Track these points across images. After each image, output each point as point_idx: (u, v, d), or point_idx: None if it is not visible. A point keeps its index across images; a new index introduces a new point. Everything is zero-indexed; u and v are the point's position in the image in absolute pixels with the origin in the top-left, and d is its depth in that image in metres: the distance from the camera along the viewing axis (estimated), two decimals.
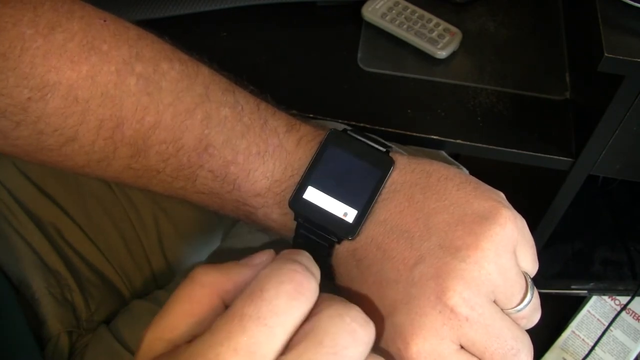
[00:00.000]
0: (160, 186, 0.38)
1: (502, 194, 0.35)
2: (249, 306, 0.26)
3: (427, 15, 0.72)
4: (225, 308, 0.31)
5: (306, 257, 0.30)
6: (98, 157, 0.36)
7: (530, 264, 0.35)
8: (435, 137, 0.66)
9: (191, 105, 0.36)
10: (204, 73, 0.38)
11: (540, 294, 0.35)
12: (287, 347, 0.26)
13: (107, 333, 0.52)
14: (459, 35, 0.71)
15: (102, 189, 0.59)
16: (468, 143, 0.67)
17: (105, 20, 0.36)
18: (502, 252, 0.32)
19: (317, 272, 0.30)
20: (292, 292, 0.27)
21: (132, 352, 0.49)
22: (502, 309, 0.33)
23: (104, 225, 0.58)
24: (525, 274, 0.35)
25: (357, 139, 0.37)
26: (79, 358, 0.52)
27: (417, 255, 0.33)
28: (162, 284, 0.61)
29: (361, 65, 0.71)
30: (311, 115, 0.65)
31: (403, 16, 0.72)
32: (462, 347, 0.32)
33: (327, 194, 0.36)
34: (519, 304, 0.34)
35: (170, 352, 0.28)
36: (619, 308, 1.04)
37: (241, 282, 0.31)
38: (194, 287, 0.30)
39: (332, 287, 0.39)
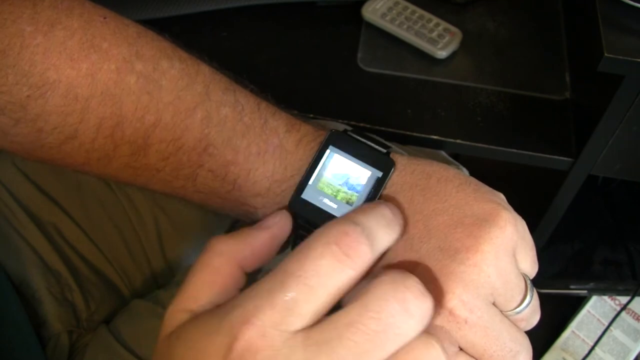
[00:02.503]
0: (160, 185, 0.38)
1: (502, 196, 0.35)
2: (292, 264, 0.26)
3: (427, 15, 0.72)
4: (245, 275, 0.31)
5: (372, 218, 0.28)
6: (98, 155, 0.36)
7: (529, 266, 0.35)
8: (435, 137, 0.66)
9: (191, 104, 0.36)
10: (204, 72, 0.37)
11: (540, 294, 0.35)
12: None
13: (107, 333, 0.52)
14: (459, 35, 0.71)
15: (102, 188, 0.59)
16: (468, 143, 0.67)
17: (105, 18, 0.36)
18: (502, 255, 0.32)
19: (383, 236, 0.28)
20: (338, 254, 0.26)
21: (132, 352, 0.49)
22: (501, 311, 0.33)
23: (104, 225, 0.58)
24: (524, 276, 0.35)
25: (357, 139, 0.37)
26: (79, 357, 0.52)
27: (417, 257, 0.33)
28: (162, 283, 0.61)
29: (361, 65, 0.71)
30: (311, 115, 0.65)
31: (403, 16, 0.72)
32: (461, 349, 0.32)
33: (327, 195, 0.36)
34: (518, 306, 0.34)
35: (212, 308, 0.27)
36: (619, 308, 1.05)
37: (258, 246, 0.30)
38: (211, 257, 0.30)
39: None
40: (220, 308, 0.27)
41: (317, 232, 0.27)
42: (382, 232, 0.28)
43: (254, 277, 0.31)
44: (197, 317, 0.28)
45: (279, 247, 0.34)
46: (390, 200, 0.35)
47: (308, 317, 0.25)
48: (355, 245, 0.26)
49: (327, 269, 0.26)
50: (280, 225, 0.33)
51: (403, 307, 0.25)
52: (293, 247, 0.39)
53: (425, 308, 0.26)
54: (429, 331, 0.27)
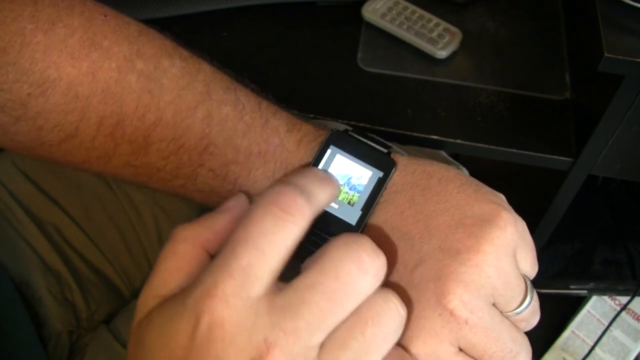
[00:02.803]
0: (160, 184, 0.38)
1: (502, 196, 0.35)
2: (239, 232, 0.27)
3: (427, 15, 0.72)
4: (211, 257, 0.31)
5: (305, 177, 0.30)
6: (98, 153, 0.36)
7: (530, 266, 0.35)
8: (435, 137, 0.66)
9: (192, 103, 0.36)
10: (205, 70, 0.37)
11: (540, 294, 0.35)
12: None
13: (107, 333, 0.52)
14: (459, 35, 0.71)
15: (102, 188, 0.59)
16: (468, 143, 0.67)
17: (105, 16, 0.35)
18: (502, 255, 0.32)
19: (318, 191, 0.30)
20: (277, 212, 0.27)
21: None
22: (501, 312, 0.33)
23: (104, 225, 0.58)
24: (524, 277, 0.35)
25: (358, 139, 0.37)
26: (79, 357, 0.52)
27: (417, 257, 0.33)
28: None
29: (361, 65, 0.71)
30: (311, 115, 0.65)
31: (403, 16, 0.72)
32: (461, 349, 0.32)
33: None
34: (518, 307, 0.34)
35: (174, 295, 0.28)
36: (619, 308, 1.05)
37: (220, 228, 0.31)
38: (176, 244, 0.30)
39: None
40: (184, 290, 0.27)
41: (256, 198, 0.28)
42: (316, 188, 0.30)
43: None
44: (164, 302, 0.28)
45: None
46: (391, 200, 0.35)
47: (265, 279, 0.26)
48: (292, 201, 0.27)
49: (270, 228, 0.27)
50: (239, 207, 0.34)
51: (358, 265, 0.27)
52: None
53: (379, 264, 0.28)
54: (386, 287, 0.28)
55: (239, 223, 0.27)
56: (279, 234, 0.27)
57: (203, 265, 0.30)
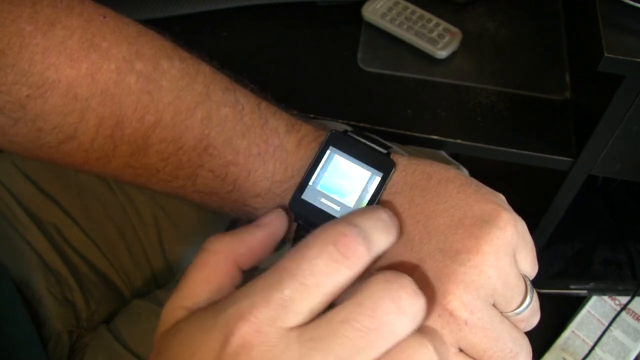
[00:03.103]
0: (160, 185, 0.38)
1: (502, 197, 0.35)
2: (289, 262, 0.26)
3: (427, 15, 0.72)
4: (242, 273, 0.31)
5: (369, 220, 0.28)
6: (97, 155, 0.36)
7: (529, 267, 0.35)
8: (435, 137, 0.66)
9: (191, 105, 0.36)
10: (205, 71, 0.37)
11: (540, 294, 0.35)
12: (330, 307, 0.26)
13: (107, 332, 0.52)
14: (459, 35, 0.71)
15: (102, 188, 0.59)
16: (468, 143, 0.67)
17: (104, 17, 0.35)
18: (502, 256, 0.32)
19: (380, 239, 0.28)
20: (335, 254, 0.26)
21: (132, 352, 0.49)
22: (501, 312, 0.33)
23: (104, 224, 0.58)
24: (524, 277, 0.35)
25: (358, 140, 0.37)
26: (80, 357, 0.52)
27: (417, 258, 0.33)
28: (162, 283, 0.61)
29: (361, 65, 0.71)
30: (311, 115, 0.65)
31: (403, 16, 0.72)
32: (461, 350, 0.32)
33: (328, 196, 0.36)
34: (518, 307, 0.34)
35: (208, 305, 0.28)
36: (619, 308, 1.05)
37: (254, 244, 0.31)
38: (207, 255, 0.30)
39: None
40: (216, 305, 0.27)
41: (315, 232, 0.27)
42: (378, 235, 0.29)
43: (250, 275, 0.32)
44: (194, 314, 0.28)
45: (275, 245, 0.34)
46: (391, 201, 0.35)
47: (303, 315, 0.26)
48: (352, 246, 0.27)
49: (323, 269, 0.26)
50: (276, 223, 0.33)
51: (397, 305, 0.26)
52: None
53: (418, 307, 0.26)
54: (423, 331, 0.27)
55: (293, 251, 0.27)
56: (331, 277, 0.26)
57: (233, 280, 0.30)
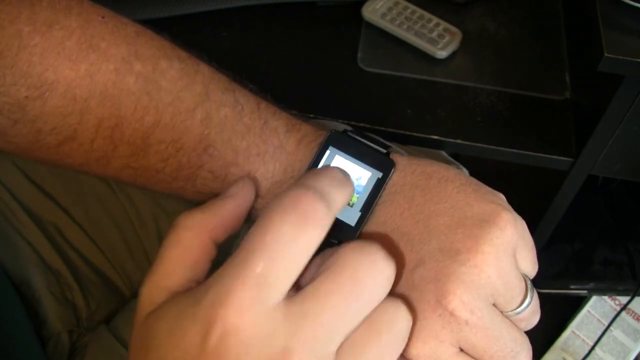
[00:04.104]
0: (160, 185, 0.38)
1: (502, 196, 0.35)
2: (254, 238, 0.26)
3: (427, 15, 0.72)
4: (216, 246, 0.31)
5: (323, 179, 0.29)
6: (97, 155, 0.36)
7: (530, 266, 0.35)
8: (435, 137, 0.66)
9: (191, 105, 0.36)
10: (204, 72, 0.37)
11: (540, 294, 0.35)
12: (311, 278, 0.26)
13: (107, 332, 0.52)
14: (459, 35, 0.71)
15: (102, 188, 0.59)
16: (468, 143, 0.67)
17: (103, 17, 0.35)
18: (502, 256, 0.32)
19: (337, 195, 0.29)
20: (296, 218, 0.26)
21: None
22: (501, 312, 0.33)
23: (105, 224, 0.58)
24: (524, 277, 0.35)
25: (357, 140, 0.37)
26: (79, 357, 0.52)
27: (417, 258, 0.33)
28: None
29: (361, 65, 0.71)
30: (311, 115, 0.65)
31: (403, 16, 0.72)
32: (461, 350, 0.32)
33: None
34: (518, 307, 0.34)
35: (184, 292, 0.28)
36: (619, 308, 1.05)
37: (225, 215, 0.31)
38: (181, 232, 0.30)
39: None
40: (194, 291, 0.27)
41: (271, 203, 0.27)
42: (335, 191, 0.29)
43: (227, 245, 0.31)
44: (175, 299, 0.28)
45: (245, 215, 0.34)
46: (391, 200, 0.35)
47: (282, 288, 0.26)
48: (311, 206, 0.27)
49: (289, 236, 0.26)
50: (244, 192, 0.33)
51: (373, 268, 0.27)
52: None
53: (391, 268, 0.28)
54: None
55: (255, 227, 0.27)
56: (297, 242, 0.26)
57: (209, 254, 0.30)
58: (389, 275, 0.27)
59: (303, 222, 0.26)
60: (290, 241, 0.26)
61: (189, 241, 0.30)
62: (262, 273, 0.25)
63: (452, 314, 0.31)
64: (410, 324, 0.28)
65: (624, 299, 1.04)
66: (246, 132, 0.37)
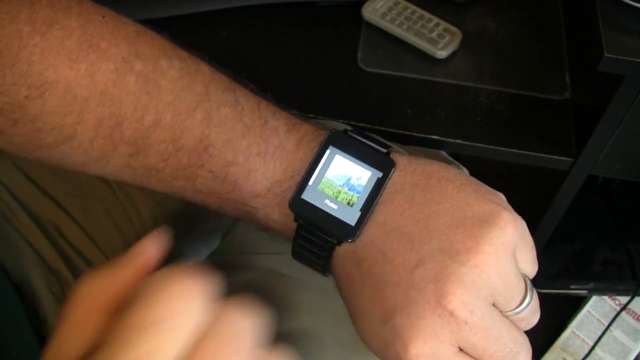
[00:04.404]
0: (160, 185, 0.38)
1: (502, 196, 0.35)
2: (137, 314, 0.24)
3: (427, 15, 0.72)
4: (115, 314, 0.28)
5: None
6: (97, 155, 0.36)
7: (529, 266, 0.35)
8: (435, 137, 0.66)
9: (191, 105, 0.36)
10: (204, 71, 0.37)
11: (540, 294, 0.35)
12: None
13: None
14: (459, 35, 0.71)
15: (102, 188, 0.59)
16: (468, 143, 0.67)
17: (103, 17, 0.35)
18: (502, 256, 0.32)
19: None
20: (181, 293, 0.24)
21: None
22: (501, 312, 0.33)
23: (104, 224, 0.58)
24: (524, 276, 0.35)
25: (357, 139, 0.37)
26: None
27: (417, 258, 0.33)
28: None
29: (361, 65, 0.71)
30: (311, 115, 0.65)
31: (403, 16, 0.72)
32: (461, 349, 0.32)
33: (328, 196, 0.36)
34: (518, 307, 0.34)
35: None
36: (619, 308, 1.04)
37: (120, 286, 0.27)
38: (76, 303, 0.27)
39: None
40: None
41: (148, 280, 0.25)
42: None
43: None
44: None
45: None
46: (391, 200, 0.35)
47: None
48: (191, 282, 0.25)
49: (178, 308, 0.24)
50: (148, 252, 0.29)
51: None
52: (294, 251, 0.39)
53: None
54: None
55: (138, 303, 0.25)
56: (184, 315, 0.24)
57: (105, 318, 0.27)
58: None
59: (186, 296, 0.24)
60: (180, 313, 0.24)
61: (83, 316, 0.27)
62: (151, 348, 0.23)
63: (451, 314, 0.31)
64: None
65: (624, 299, 1.04)
66: (246, 132, 0.37)
